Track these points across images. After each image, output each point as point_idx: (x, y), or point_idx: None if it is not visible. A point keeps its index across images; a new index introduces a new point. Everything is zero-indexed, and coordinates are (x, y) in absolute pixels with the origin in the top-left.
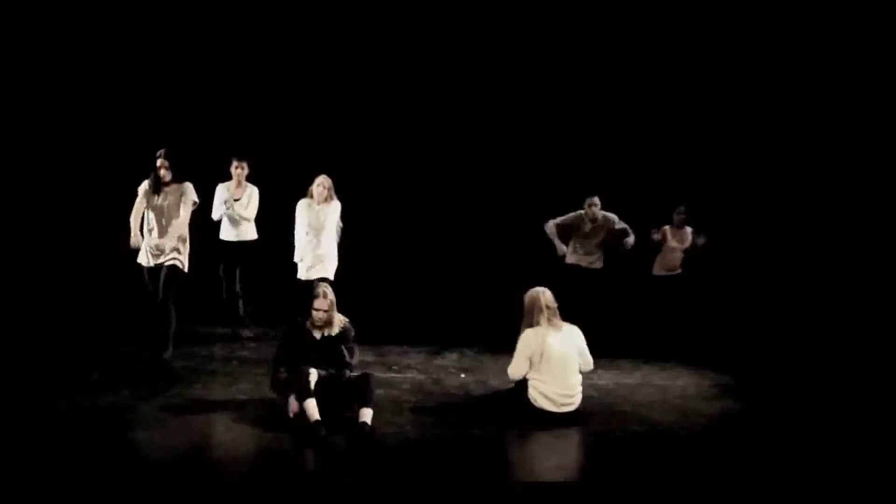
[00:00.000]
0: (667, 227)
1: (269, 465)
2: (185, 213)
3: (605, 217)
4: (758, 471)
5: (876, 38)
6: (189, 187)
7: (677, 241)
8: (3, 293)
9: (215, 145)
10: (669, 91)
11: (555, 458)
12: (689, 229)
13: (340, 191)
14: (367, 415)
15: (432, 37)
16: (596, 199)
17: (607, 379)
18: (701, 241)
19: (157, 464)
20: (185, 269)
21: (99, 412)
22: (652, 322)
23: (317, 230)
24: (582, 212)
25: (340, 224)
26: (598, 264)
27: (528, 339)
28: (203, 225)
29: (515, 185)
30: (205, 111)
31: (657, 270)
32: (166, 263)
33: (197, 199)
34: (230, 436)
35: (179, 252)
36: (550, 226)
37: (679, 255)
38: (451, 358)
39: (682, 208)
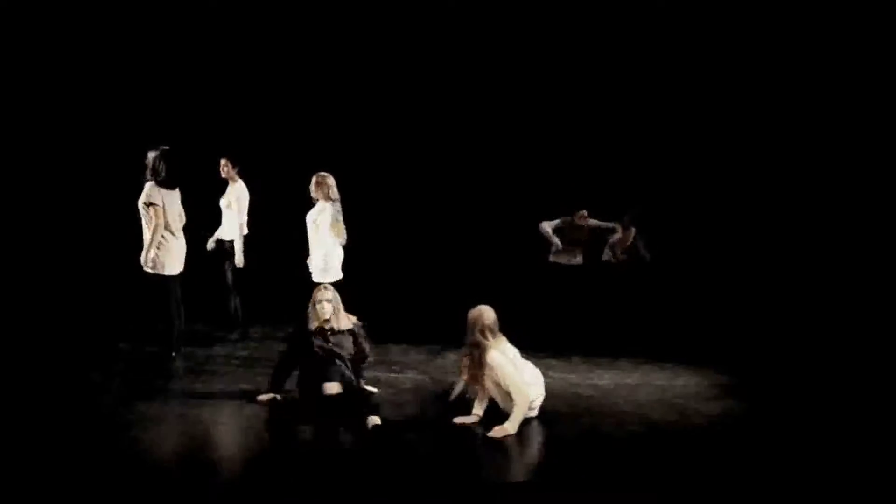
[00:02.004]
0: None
1: (269, 466)
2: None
3: (589, 226)
4: (758, 470)
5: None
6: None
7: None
8: (4, 293)
9: (210, 145)
10: (653, 94)
11: (554, 458)
12: (633, 230)
13: (342, 189)
14: (375, 420)
15: (426, 41)
16: (584, 213)
17: (607, 379)
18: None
19: (157, 464)
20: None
21: (99, 412)
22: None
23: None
24: (570, 218)
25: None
26: (579, 260)
27: (506, 363)
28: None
29: (514, 185)
30: (201, 109)
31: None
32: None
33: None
34: (231, 435)
35: None
36: (544, 226)
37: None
38: (452, 358)
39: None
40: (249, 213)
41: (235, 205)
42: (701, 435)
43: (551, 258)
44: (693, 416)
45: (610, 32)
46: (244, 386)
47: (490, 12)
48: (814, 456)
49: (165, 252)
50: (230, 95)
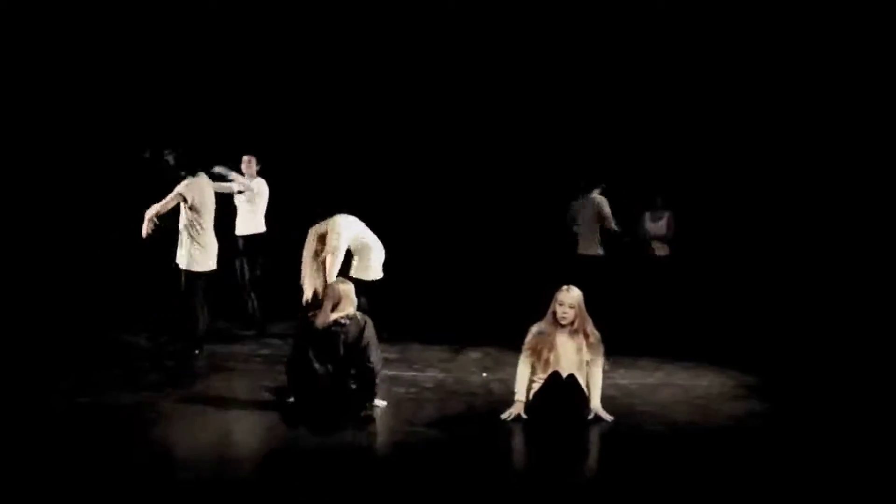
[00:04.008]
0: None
1: (291, 465)
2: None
3: (593, 200)
4: (782, 472)
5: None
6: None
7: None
8: (18, 291)
9: (220, 142)
10: (660, 88)
11: (575, 458)
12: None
13: (359, 185)
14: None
15: (435, 36)
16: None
17: (629, 378)
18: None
19: (179, 461)
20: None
21: (119, 409)
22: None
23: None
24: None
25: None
26: (593, 250)
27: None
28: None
29: (535, 180)
30: (206, 109)
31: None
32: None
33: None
34: (253, 434)
35: None
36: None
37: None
38: (474, 356)
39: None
40: (268, 213)
41: (257, 199)
42: (725, 436)
43: (579, 251)
44: (716, 417)
45: (613, 29)
46: (265, 384)
47: (492, 14)
48: (838, 457)
49: (200, 249)
50: (244, 94)
